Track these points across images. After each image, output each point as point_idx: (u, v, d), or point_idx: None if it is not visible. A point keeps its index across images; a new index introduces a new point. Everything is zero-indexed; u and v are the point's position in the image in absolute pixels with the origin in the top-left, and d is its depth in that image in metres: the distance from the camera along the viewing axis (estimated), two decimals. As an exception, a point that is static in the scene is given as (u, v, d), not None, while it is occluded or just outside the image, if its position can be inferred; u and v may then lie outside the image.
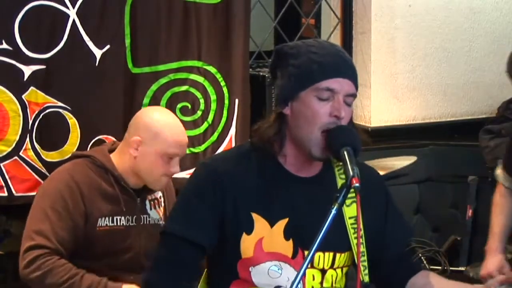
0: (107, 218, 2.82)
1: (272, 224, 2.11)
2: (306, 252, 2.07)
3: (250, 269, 2.11)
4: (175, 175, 3.00)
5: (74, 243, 2.76)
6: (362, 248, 2.18)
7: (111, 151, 2.94)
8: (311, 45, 2.10)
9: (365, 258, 2.19)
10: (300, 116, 2.07)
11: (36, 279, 2.69)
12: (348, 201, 2.09)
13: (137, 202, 2.89)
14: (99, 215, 2.80)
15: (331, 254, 2.16)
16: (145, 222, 2.90)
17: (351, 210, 2.16)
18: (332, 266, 2.17)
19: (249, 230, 2.10)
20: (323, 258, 2.15)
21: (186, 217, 2.14)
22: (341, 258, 2.18)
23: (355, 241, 2.17)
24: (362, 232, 2.16)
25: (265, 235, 2.11)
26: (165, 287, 2.12)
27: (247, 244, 2.10)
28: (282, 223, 2.12)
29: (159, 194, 2.99)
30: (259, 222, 2.11)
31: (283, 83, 2.12)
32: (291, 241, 2.12)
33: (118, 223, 2.84)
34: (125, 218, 2.86)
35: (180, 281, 2.11)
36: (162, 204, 2.99)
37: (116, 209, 2.84)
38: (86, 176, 2.83)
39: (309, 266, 2.09)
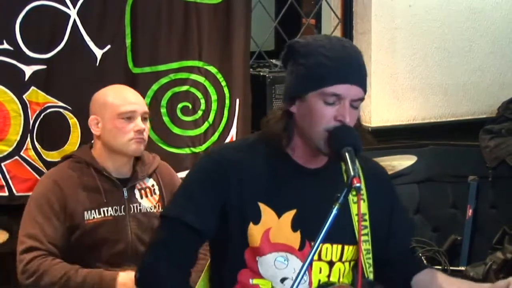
0: (93, 211, 2.84)
1: (279, 215, 2.11)
2: (313, 244, 2.05)
3: (256, 258, 2.11)
4: (178, 175, 3.00)
5: (66, 240, 2.80)
6: (368, 246, 2.18)
7: None
8: (322, 45, 2.06)
9: (370, 255, 2.19)
10: (305, 116, 2.07)
11: (31, 284, 2.75)
12: (355, 198, 2.09)
13: (123, 191, 2.90)
14: (83, 209, 2.83)
15: (339, 246, 2.16)
16: (135, 211, 2.91)
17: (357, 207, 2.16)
18: (341, 259, 2.17)
19: (256, 220, 2.10)
20: (331, 250, 2.14)
21: (185, 201, 2.12)
22: (349, 251, 2.18)
23: (361, 238, 2.16)
24: (368, 230, 2.18)
25: (273, 226, 2.10)
26: (160, 269, 2.09)
27: (254, 233, 2.10)
28: (289, 215, 2.11)
29: (151, 182, 2.98)
30: (266, 212, 2.10)
31: (291, 81, 2.11)
32: (298, 232, 2.11)
33: (106, 214, 2.86)
34: (112, 208, 2.87)
35: (175, 264, 2.08)
36: (157, 192, 2.98)
37: (99, 200, 2.86)
38: (66, 175, 2.87)
39: (316, 258, 2.11)
